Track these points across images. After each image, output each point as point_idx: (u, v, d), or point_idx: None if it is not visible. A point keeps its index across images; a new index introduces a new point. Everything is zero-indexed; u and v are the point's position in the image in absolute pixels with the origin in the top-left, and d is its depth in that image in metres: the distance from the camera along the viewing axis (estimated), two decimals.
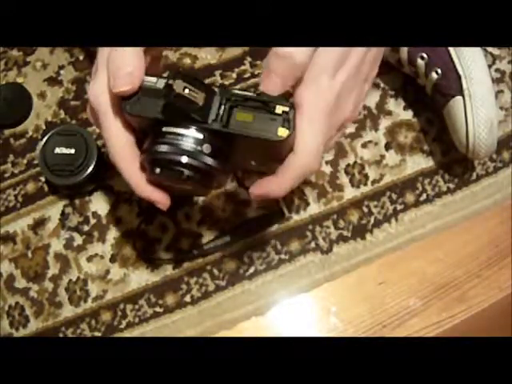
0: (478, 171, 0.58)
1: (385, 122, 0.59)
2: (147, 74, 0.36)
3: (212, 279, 0.55)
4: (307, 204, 0.57)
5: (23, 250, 0.56)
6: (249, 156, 0.41)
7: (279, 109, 0.35)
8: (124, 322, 0.54)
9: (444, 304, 0.54)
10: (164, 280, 0.55)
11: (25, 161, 0.58)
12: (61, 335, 0.53)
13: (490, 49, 0.62)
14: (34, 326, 0.54)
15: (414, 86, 0.59)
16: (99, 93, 0.37)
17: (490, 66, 0.61)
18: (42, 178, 0.58)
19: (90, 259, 0.55)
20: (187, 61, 0.62)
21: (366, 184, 0.58)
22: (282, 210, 0.56)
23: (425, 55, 0.54)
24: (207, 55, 0.62)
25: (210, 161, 0.36)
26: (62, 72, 0.62)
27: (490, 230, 0.56)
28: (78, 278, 0.55)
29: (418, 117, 0.60)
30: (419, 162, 0.58)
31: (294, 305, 0.54)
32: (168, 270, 0.55)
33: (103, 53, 0.37)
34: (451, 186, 0.58)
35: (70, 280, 0.55)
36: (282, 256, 0.55)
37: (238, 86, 0.60)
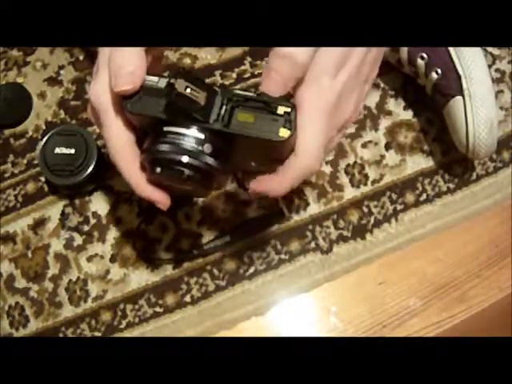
0: (478, 171, 0.58)
1: (385, 122, 0.59)
2: (148, 73, 0.36)
3: (212, 279, 0.55)
4: (307, 204, 0.57)
5: (23, 250, 0.56)
6: (249, 157, 0.41)
7: (281, 109, 0.35)
8: (124, 322, 0.54)
9: (444, 304, 0.54)
10: (164, 280, 0.55)
11: (25, 161, 0.58)
12: (61, 335, 0.53)
13: (490, 49, 0.62)
14: (34, 325, 0.54)
15: (414, 85, 0.59)
16: (100, 92, 0.37)
17: (490, 66, 0.61)
18: (42, 178, 0.58)
19: (89, 259, 0.55)
20: (187, 61, 0.62)
21: (366, 184, 0.58)
22: (282, 210, 0.56)
23: (425, 55, 0.54)
24: (207, 55, 0.62)
25: (210, 161, 0.36)
26: (61, 72, 0.62)
27: (490, 230, 0.56)
28: (78, 278, 0.55)
29: (418, 117, 0.60)
30: (419, 162, 0.58)
31: (293, 305, 0.54)
32: (168, 270, 0.55)
33: (104, 52, 0.37)
34: (451, 185, 0.58)
35: (70, 280, 0.55)
36: (282, 256, 0.55)
37: (238, 86, 0.60)
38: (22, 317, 0.54)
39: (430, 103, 0.57)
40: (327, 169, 0.58)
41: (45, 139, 0.54)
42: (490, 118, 0.51)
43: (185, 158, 0.36)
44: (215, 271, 0.55)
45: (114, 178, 0.57)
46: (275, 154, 0.38)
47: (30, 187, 0.58)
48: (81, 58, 0.62)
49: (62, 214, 0.57)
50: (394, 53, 0.57)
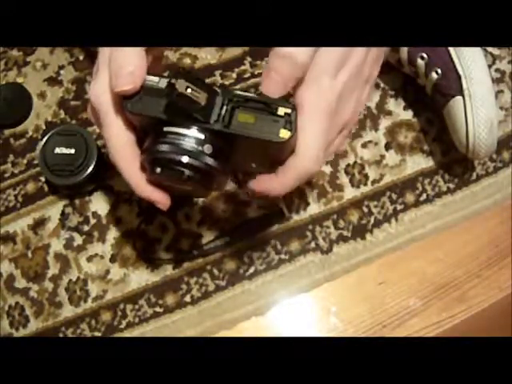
0: (478, 171, 0.58)
1: (385, 122, 0.59)
2: (149, 73, 0.36)
3: (212, 279, 0.55)
4: (307, 204, 0.57)
5: (23, 250, 0.56)
6: (249, 158, 0.41)
7: (281, 110, 0.35)
8: (124, 322, 0.54)
9: (444, 304, 0.54)
10: (164, 280, 0.55)
11: (25, 161, 0.58)
12: (61, 335, 0.53)
13: (490, 49, 0.62)
14: (34, 325, 0.54)
15: (414, 85, 0.59)
16: (100, 92, 0.37)
17: (490, 66, 0.61)
18: (42, 178, 0.58)
19: (89, 259, 0.55)
20: (187, 61, 0.62)
21: (366, 184, 0.58)
22: (282, 210, 0.56)
23: (425, 55, 0.54)
24: (207, 55, 0.62)
25: (210, 161, 0.36)
26: (61, 72, 0.62)
27: (490, 230, 0.56)
28: (78, 278, 0.55)
29: (418, 117, 0.60)
30: (419, 162, 0.58)
31: (293, 305, 0.54)
32: (168, 270, 0.55)
33: (104, 52, 0.37)
34: (451, 185, 0.58)
35: (70, 280, 0.55)
36: (282, 256, 0.55)
37: (238, 86, 0.60)
38: (22, 317, 0.54)
39: (430, 103, 0.57)
40: (327, 169, 0.58)
41: (45, 139, 0.54)
42: (490, 118, 0.51)
43: (185, 159, 0.36)
44: (215, 271, 0.55)
45: (114, 178, 0.57)
46: (275, 155, 0.37)
47: (30, 187, 0.58)
48: (81, 58, 0.62)
49: (62, 214, 0.57)
50: (393, 53, 0.57)
